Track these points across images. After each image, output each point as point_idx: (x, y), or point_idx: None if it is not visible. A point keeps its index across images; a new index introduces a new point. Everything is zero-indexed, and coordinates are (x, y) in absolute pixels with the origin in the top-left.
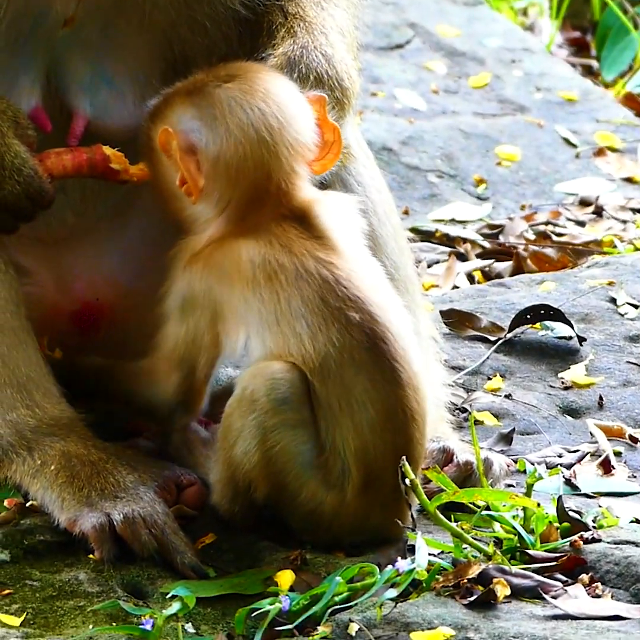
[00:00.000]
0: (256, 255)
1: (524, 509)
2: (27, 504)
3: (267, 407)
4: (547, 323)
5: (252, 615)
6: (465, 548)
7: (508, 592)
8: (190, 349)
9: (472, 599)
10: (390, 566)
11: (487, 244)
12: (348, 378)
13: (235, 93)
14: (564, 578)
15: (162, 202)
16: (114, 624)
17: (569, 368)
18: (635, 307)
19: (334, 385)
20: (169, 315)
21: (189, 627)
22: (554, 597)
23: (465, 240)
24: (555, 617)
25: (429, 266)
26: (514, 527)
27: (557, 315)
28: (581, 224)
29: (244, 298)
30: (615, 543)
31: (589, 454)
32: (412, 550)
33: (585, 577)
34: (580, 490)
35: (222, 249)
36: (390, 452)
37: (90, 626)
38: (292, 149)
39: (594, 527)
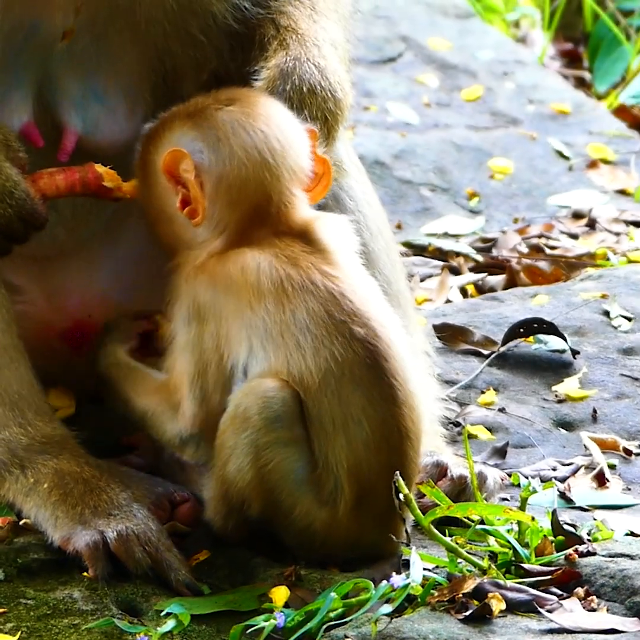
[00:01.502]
0: (263, 265)
1: (519, 522)
2: (21, 523)
3: (259, 425)
4: (541, 336)
5: (247, 631)
6: (460, 562)
7: (503, 606)
8: (200, 367)
9: (467, 613)
10: (385, 581)
11: (480, 258)
12: (346, 394)
13: (238, 116)
14: (559, 592)
15: (155, 224)
16: None
17: (563, 381)
18: (629, 319)
19: (330, 402)
20: (175, 332)
21: None
22: (550, 611)
23: (458, 254)
24: (551, 631)
25: (422, 280)
26: (508, 541)
27: (550, 328)
28: (574, 236)
29: (250, 307)
30: (610, 556)
31: (583, 467)
32: (406, 565)
33: (580, 590)
34: (574, 504)
35: (228, 259)
36: (384, 470)
37: None
38: (293, 172)
39: (588, 540)
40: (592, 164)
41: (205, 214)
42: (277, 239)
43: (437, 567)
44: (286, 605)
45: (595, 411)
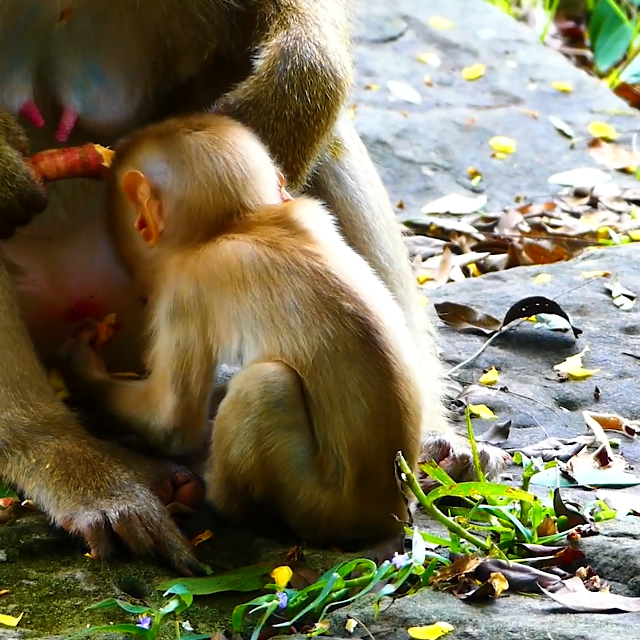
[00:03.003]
0: (245, 254)
1: (521, 502)
2: (23, 503)
3: (261, 410)
4: (543, 315)
5: (250, 612)
6: (463, 542)
7: (506, 586)
8: (183, 363)
9: (470, 593)
10: (387, 562)
11: (482, 237)
12: (341, 371)
13: (204, 141)
14: (562, 571)
15: (115, 236)
16: (111, 622)
17: (565, 360)
18: (631, 298)
19: (326, 381)
20: (157, 331)
21: (187, 625)
22: (552, 591)
23: (460, 233)
24: (554, 611)
25: (424, 260)
26: (511, 521)
27: (552, 307)
28: (576, 215)
29: (236, 298)
30: (613, 536)
31: (585, 446)
32: (409, 545)
33: (583, 570)
34: (577, 483)
35: (208, 253)
36: (384, 447)
37: (88, 625)
38: (255, 198)
39: (591, 519)
40: (594, 143)
41: (158, 236)
42: (252, 229)
43: (439, 547)
44: (289, 585)
45: (597, 390)
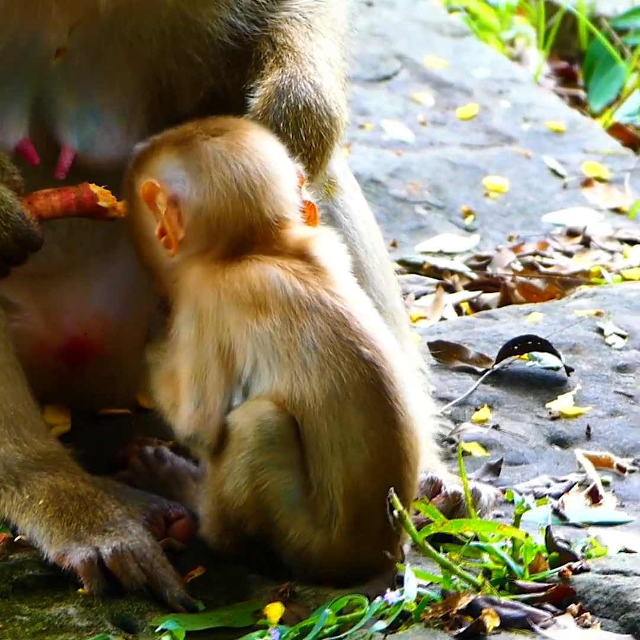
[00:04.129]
0: (270, 280)
1: (513, 539)
2: (16, 539)
3: (254, 446)
4: (535, 354)
5: None
6: (454, 579)
7: (497, 622)
8: (199, 373)
9: (461, 630)
10: (379, 598)
11: (474, 276)
12: (347, 417)
13: (222, 148)
14: (553, 608)
15: (136, 245)
16: None
17: (557, 398)
18: (623, 337)
19: (331, 425)
20: (178, 330)
21: None
22: (544, 628)
23: (452, 272)
24: None
25: (417, 298)
26: (502, 558)
27: (544, 346)
28: (569, 254)
29: (256, 322)
30: (604, 573)
31: (577, 484)
32: (401, 581)
33: (574, 607)
34: (568, 520)
35: (233, 270)
36: (381, 493)
37: None
38: (276, 205)
39: (582, 557)
40: (587, 182)
41: (179, 244)
42: (274, 257)
43: (431, 583)
44: (281, 621)
45: (589, 428)
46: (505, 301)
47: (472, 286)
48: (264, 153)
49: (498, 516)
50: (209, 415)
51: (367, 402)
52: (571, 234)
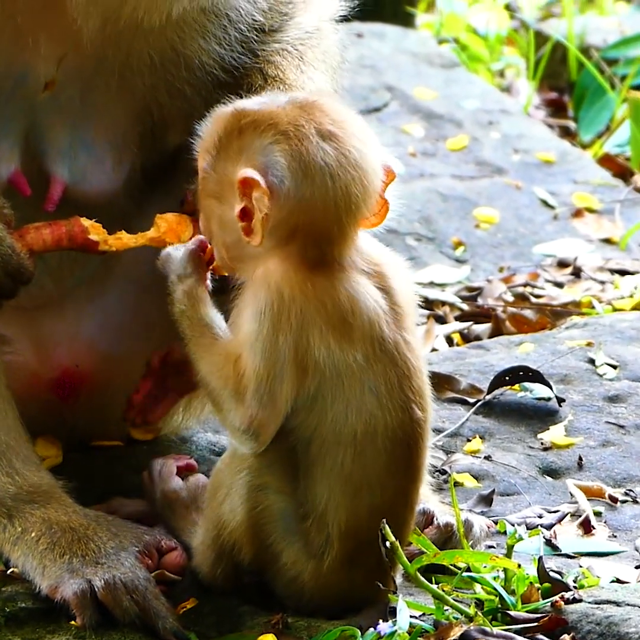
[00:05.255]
0: (361, 309)
1: (505, 570)
2: (8, 571)
3: (255, 466)
4: (526, 384)
5: None
6: (447, 610)
7: None
8: (273, 372)
9: None
10: (371, 629)
11: (465, 307)
12: (376, 464)
13: (331, 160)
14: (546, 639)
15: (205, 216)
16: None
17: (548, 429)
18: (614, 367)
19: (354, 465)
20: (243, 317)
21: None
22: None
23: (443, 303)
24: None
25: None
26: (495, 588)
27: (536, 376)
28: (559, 285)
29: (339, 346)
30: (596, 603)
31: (569, 515)
32: (393, 612)
33: (566, 637)
34: (560, 551)
35: (321, 280)
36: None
37: None
38: (358, 222)
39: (574, 587)
40: (577, 213)
41: (262, 242)
42: (360, 279)
43: (423, 614)
44: None
45: (580, 459)
46: (497, 332)
47: (463, 317)
48: (367, 170)
49: (490, 547)
50: (272, 420)
51: (398, 457)
52: (562, 264)
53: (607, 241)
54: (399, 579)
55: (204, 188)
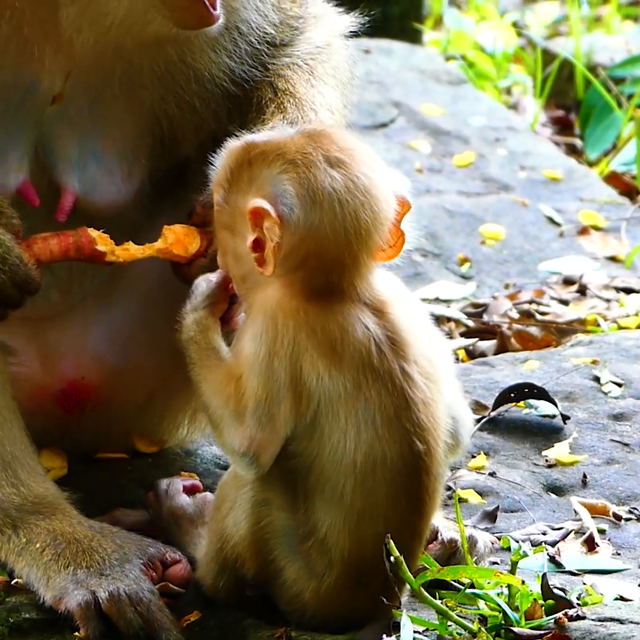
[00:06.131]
0: (352, 337)
1: (509, 586)
2: (13, 582)
3: (258, 481)
4: (531, 401)
5: None
6: (450, 625)
7: None
8: (270, 395)
9: None
10: None
11: (471, 323)
12: (377, 495)
13: (339, 187)
14: None
15: (220, 245)
16: None
17: (553, 446)
18: (619, 385)
19: (356, 496)
20: (244, 340)
21: None
22: None
23: (449, 320)
24: None
25: None
26: (498, 605)
27: (541, 393)
28: (565, 302)
29: (329, 373)
30: (599, 620)
31: (573, 532)
32: (397, 627)
33: None
34: (564, 568)
35: (317, 310)
36: (385, 564)
37: None
38: (371, 253)
39: (578, 604)
40: (583, 231)
41: (274, 271)
42: (356, 304)
43: (427, 629)
44: None
45: (585, 476)
46: (502, 349)
47: (468, 333)
48: (376, 196)
49: (494, 563)
50: (271, 443)
51: (400, 488)
52: (567, 282)
53: (613, 259)
54: (404, 598)
55: (219, 221)
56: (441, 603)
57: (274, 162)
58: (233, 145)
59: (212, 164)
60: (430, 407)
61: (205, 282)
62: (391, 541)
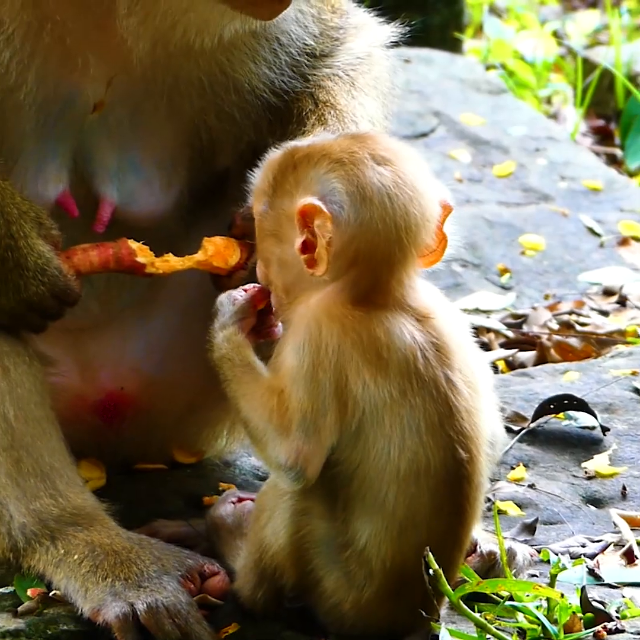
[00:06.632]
0: (398, 345)
1: (548, 599)
2: (51, 594)
3: (299, 490)
4: (571, 413)
5: None
6: (489, 638)
7: None
8: (317, 405)
9: None
10: None
11: (510, 334)
12: (419, 503)
13: (388, 182)
14: None
15: (261, 254)
16: None
17: (593, 458)
18: None
19: (398, 504)
20: (285, 354)
21: None
22: None
23: (488, 330)
24: None
25: None
26: (537, 618)
27: (580, 405)
28: (605, 313)
29: (374, 381)
30: (638, 633)
31: (612, 544)
32: None
33: None
34: (603, 581)
35: (362, 316)
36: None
37: None
38: (419, 251)
39: (617, 617)
40: (624, 241)
41: (327, 270)
42: (401, 311)
43: None
44: None
45: (624, 488)
46: (541, 360)
47: (508, 344)
48: (423, 193)
49: (533, 576)
50: (317, 454)
51: (442, 497)
52: (607, 292)
53: None
54: (443, 611)
55: (262, 229)
56: (480, 616)
57: (320, 162)
58: (273, 154)
59: (252, 175)
60: (473, 416)
61: (227, 299)
62: (430, 554)
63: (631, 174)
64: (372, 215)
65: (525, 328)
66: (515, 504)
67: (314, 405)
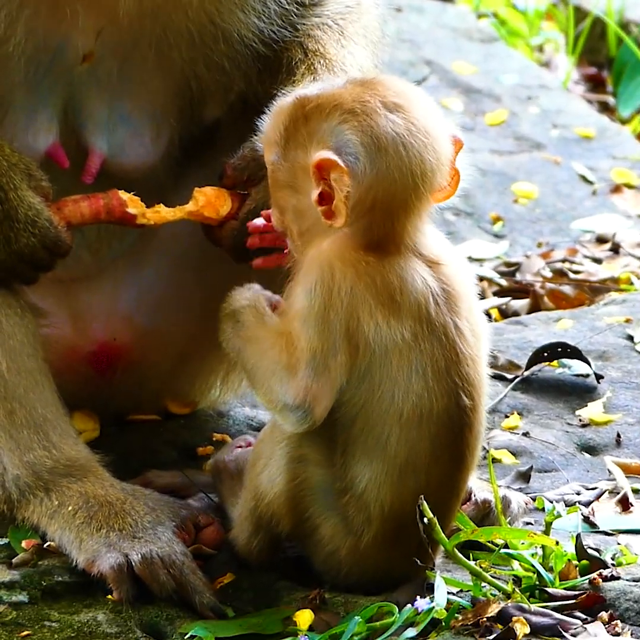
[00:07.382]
0: (411, 288)
1: (543, 547)
2: (45, 545)
3: (294, 437)
4: (565, 361)
5: None
6: (484, 586)
7: (527, 630)
8: (328, 345)
9: (491, 637)
10: (409, 605)
11: (503, 282)
12: (420, 448)
13: (402, 130)
14: (584, 616)
15: (275, 202)
16: None
17: (587, 405)
18: None
19: (399, 448)
20: (296, 295)
21: None
22: (574, 636)
23: (482, 279)
24: None
25: None
26: (532, 565)
27: (574, 352)
28: (598, 261)
29: (387, 322)
30: (634, 580)
31: (607, 492)
32: (431, 588)
33: (604, 614)
34: (598, 528)
35: (376, 260)
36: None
37: None
38: (432, 195)
39: (612, 564)
40: (616, 189)
41: (346, 222)
42: (413, 256)
43: (461, 590)
44: (310, 628)
45: (619, 436)
46: (535, 308)
47: (501, 293)
48: (436, 136)
49: (528, 524)
50: (326, 394)
51: (443, 442)
52: (600, 240)
53: None
54: (438, 559)
55: (275, 180)
56: (475, 564)
57: (331, 113)
58: (282, 102)
59: (253, 125)
60: (477, 364)
61: (241, 293)
62: (424, 502)
63: (623, 122)
64: (388, 165)
65: (518, 276)
66: (510, 452)
67: (324, 345)
